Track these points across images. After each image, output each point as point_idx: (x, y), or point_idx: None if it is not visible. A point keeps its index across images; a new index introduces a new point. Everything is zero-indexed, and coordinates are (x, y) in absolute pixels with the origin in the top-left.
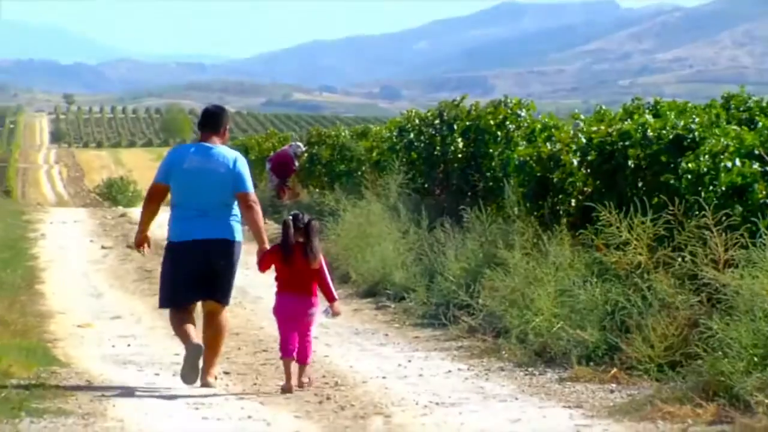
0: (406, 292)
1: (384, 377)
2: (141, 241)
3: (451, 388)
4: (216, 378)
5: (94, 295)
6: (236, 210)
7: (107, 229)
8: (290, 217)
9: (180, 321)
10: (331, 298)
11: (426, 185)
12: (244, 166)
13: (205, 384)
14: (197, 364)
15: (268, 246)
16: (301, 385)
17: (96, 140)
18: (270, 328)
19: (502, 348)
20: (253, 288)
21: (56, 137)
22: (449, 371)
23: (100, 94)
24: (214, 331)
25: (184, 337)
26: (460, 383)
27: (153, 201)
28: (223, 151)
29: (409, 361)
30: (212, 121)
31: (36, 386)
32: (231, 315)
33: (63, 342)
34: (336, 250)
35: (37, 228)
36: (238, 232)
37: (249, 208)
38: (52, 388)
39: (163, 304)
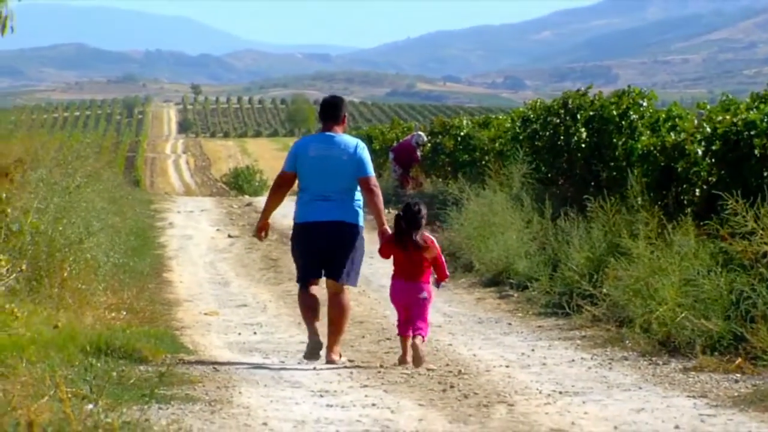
0: (529, 281)
1: (507, 366)
2: (262, 227)
3: (575, 378)
4: (340, 356)
5: (221, 284)
6: (359, 196)
7: (233, 218)
8: (401, 212)
9: (306, 308)
10: (444, 277)
11: (549, 175)
12: (365, 152)
13: (330, 361)
14: (317, 354)
15: (387, 227)
16: (417, 353)
17: (222, 130)
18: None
19: (625, 337)
20: (377, 277)
21: (183, 127)
22: (572, 360)
23: (226, 85)
24: (336, 310)
25: (308, 327)
26: (583, 372)
27: (280, 189)
28: (345, 138)
29: (533, 350)
30: (332, 110)
31: (164, 373)
32: (355, 303)
33: (190, 329)
34: (459, 240)
35: (165, 217)
36: (359, 216)
37: (370, 191)
38: (180, 375)
39: (298, 280)
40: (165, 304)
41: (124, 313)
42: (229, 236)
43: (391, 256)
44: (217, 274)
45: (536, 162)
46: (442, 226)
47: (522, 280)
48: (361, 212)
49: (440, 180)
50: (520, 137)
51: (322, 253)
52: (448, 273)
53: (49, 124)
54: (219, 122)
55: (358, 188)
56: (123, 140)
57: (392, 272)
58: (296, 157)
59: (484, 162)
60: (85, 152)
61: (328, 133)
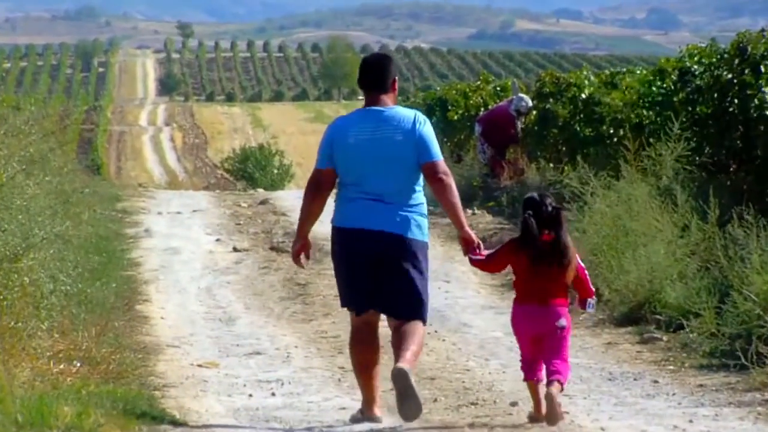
0: (684, 317)
1: None
2: (299, 250)
3: None
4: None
5: (222, 320)
6: (422, 197)
7: (241, 222)
8: (534, 199)
9: (361, 356)
10: (590, 293)
11: (716, 158)
12: (427, 127)
13: (400, 372)
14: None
15: (469, 230)
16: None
17: (225, 91)
18: (480, 369)
19: None
20: (455, 311)
21: (167, 87)
22: None
23: (230, 23)
24: (404, 333)
25: (362, 388)
26: None
27: (318, 192)
28: (398, 111)
29: (691, 420)
30: (376, 75)
31: None
32: (423, 350)
33: (176, 389)
34: (580, 254)
35: (139, 221)
36: (423, 228)
37: (438, 181)
38: None
39: (342, 303)
40: (139, 350)
41: (78, 364)
42: (235, 249)
43: (503, 269)
44: (216, 305)
45: (697, 139)
46: None
47: (674, 315)
48: (425, 222)
49: (550, 165)
50: (674, 100)
51: (373, 275)
52: (592, 288)
53: None
54: (219, 79)
55: (422, 183)
56: (77, 106)
57: (515, 294)
58: (332, 147)
59: (616, 139)
60: (26, 127)
61: (373, 108)
